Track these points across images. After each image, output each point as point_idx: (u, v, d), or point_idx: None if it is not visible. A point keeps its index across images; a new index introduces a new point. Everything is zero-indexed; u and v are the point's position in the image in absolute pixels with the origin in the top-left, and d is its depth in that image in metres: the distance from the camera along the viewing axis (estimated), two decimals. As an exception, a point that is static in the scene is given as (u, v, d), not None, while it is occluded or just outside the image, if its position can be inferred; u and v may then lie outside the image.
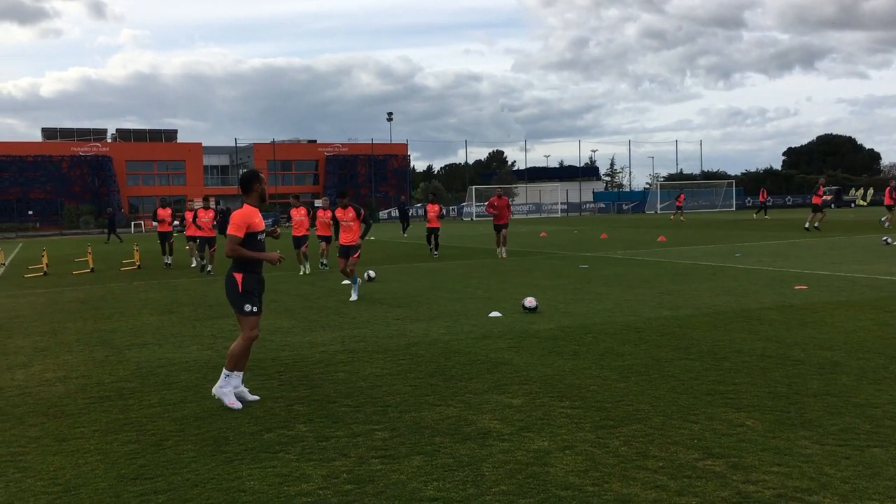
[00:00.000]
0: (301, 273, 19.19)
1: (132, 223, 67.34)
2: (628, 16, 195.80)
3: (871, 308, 10.99)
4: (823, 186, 33.17)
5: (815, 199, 31.93)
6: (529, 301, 11.60)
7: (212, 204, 22.58)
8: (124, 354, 9.34)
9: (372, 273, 16.97)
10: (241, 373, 6.88)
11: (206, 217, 20.88)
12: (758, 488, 4.54)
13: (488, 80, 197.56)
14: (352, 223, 14.32)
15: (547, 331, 9.99)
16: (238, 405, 6.66)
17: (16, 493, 4.85)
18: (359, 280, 14.27)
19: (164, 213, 24.08)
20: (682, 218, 50.79)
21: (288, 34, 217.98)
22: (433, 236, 24.19)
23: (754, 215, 52.40)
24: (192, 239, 22.09)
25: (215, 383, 7.60)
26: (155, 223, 24.23)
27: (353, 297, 13.64)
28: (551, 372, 7.68)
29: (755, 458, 5.05)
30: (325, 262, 20.27)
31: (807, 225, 31.62)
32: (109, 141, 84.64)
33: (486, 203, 24.71)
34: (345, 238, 14.27)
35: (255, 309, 6.75)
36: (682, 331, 9.67)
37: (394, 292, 14.71)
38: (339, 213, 14.80)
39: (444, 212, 26.40)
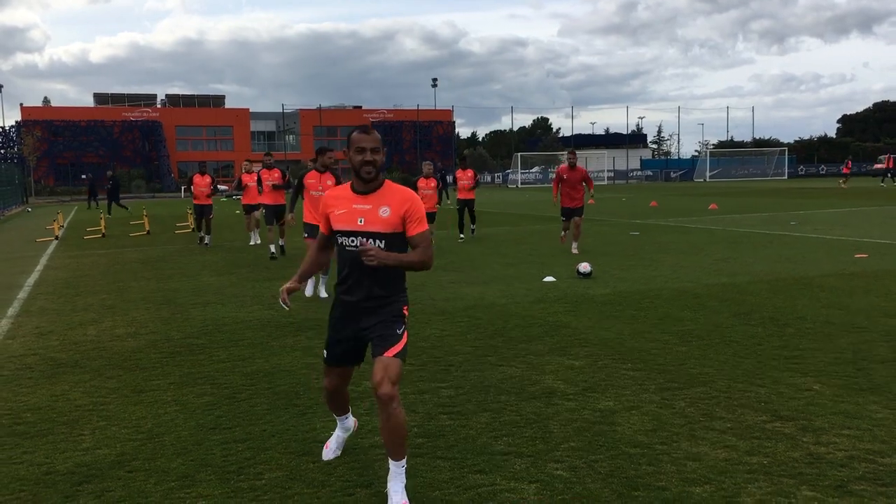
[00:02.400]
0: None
1: (182, 188, 68.43)
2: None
3: (935, 277, 10.77)
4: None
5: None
6: (584, 266, 11.60)
7: (272, 160, 16.53)
8: (189, 312, 9.59)
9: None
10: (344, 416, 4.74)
11: (272, 178, 15.87)
12: (829, 450, 4.55)
13: (534, 45, 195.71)
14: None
15: (603, 295, 10.00)
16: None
17: (102, 439, 5.07)
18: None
19: (203, 181, 18.77)
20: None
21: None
22: (467, 210, 18.64)
23: (882, 183, 48.95)
24: (253, 208, 18.20)
25: (279, 341, 7.82)
26: (189, 194, 19.42)
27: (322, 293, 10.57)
28: (611, 335, 7.71)
29: (825, 420, 5.04)
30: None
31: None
32: (159, 106, 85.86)
33: (552, 174, 21.82)
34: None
35: (325, 353, 4.39)
36: (741, 297, 9.60)
37: (445, 256, 14.80)
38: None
39: (480, 178, 21.12)
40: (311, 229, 10.16)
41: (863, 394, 5.59)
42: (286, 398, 5.87)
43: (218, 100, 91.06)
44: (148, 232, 22.99)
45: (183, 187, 67.06)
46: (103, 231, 22.86)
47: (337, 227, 4.17)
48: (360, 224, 4.09)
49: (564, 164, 15.55)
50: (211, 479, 4.36)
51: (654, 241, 16.81)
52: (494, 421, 5.22)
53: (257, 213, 18.30)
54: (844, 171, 51.14)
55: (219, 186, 23.93)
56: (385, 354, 3.98)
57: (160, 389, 6.20)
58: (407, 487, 4.15)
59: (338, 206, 4.17)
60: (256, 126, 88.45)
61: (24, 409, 5.77)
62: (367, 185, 4.10)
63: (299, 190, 10.69)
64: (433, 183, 16.57)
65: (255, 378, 6.46)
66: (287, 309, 4.35)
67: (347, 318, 4.19)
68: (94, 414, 5.61)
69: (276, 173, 15.98)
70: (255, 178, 16.82)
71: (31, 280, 13.13)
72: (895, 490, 3.98)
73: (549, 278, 11.42)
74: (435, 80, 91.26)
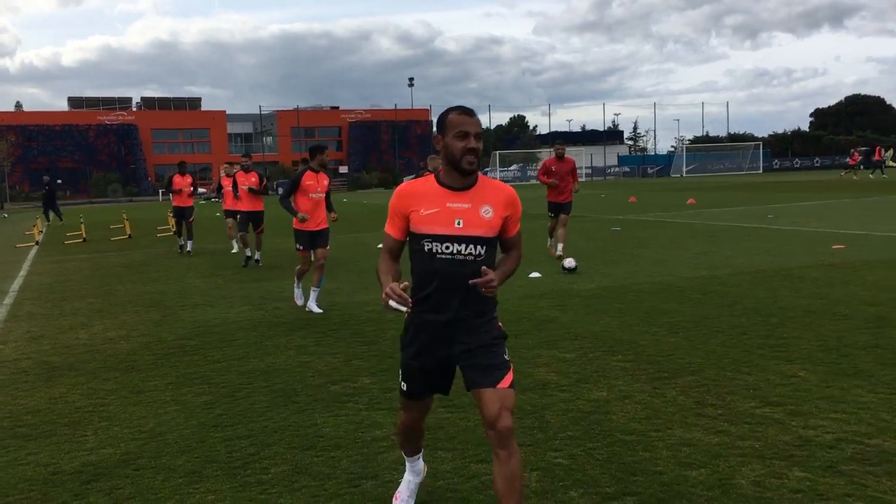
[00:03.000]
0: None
1: (160, 191, 67.97)
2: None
3: (911, 266, 11.03)
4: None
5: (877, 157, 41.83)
6: (569, 262, 11.75)
7: (250, 162, 15.19)
8: (179, 314, 9.62)
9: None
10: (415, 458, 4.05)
11: (248, 182, 14.65)
12: (817, 433, 4.71)
13: (510, 43, 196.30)
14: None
15: (588, 290, 10.15)
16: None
17: (105, 439, 5.13)
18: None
19: (183, 181, 17.39)
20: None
21: (307, 0, 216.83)
22: None
23: (871, 175, 48.38)
24: (231, 214, 16.41)
25: (272, 341, 7.88)
26: (170, 195, 17.92)
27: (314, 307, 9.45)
28: (599, 329, 7.86)
29: (812, 405, 5.21)
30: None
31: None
32: (134, 109, 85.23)
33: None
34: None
35: (403, 385, 3.69)
36: (724, 289, 9.79)
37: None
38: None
39: None
40: (308, 239, 9.37)
41: (847, 379, 5.76)
42: (284, 396, 5.95)
43: (194, 102, 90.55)
44: (129, 236, 22.89)
45: (161, 190, 66.69)
46: (84, 236, 22.72)
47: (424, 230, 3.39)
48: (457, 227, 3.37)
49: (551, 157, 13.92)
50: (218, 475, 4.44)
51: (635, 237, 17.02)
52: (492, 413, 5.32)
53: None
54: (851, 162, 49.72)
55: (199, 189, 22.37)
56: (499, 386, 3.39)
57: (158, 390, 6.25)
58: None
59: (424, 204, 3.41)
60: (233, 128, 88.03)
61: (23, 412, 5.81)
62: (465, 179, 3.40)
63: (293, 192, 9.44)
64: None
65: (251, 377, 6.53)
66: (407, 310, 3.26)
67: (436, 343, 3.47)
68: (94, 415, 5.66)
69: (254, 177, 14.68)
70: (232, 182, 15.31)
71: (16, 285, 13.08)
72: (882, 469, 4.14)
73: (535, 274, 11.55)
74: (412, 79, 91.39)
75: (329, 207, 9.77)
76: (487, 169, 74.54)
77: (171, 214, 20.57)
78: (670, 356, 6.65)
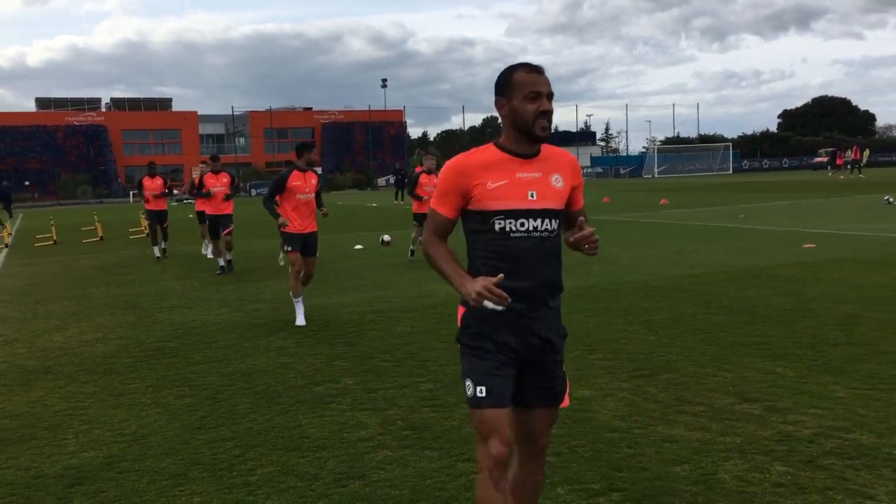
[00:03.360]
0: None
1: (131, 193, 67.24)
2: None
3: (880, 264, 11.24)
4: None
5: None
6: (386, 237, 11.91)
7: (219, 165, 14.35)
8: (156, 317, 9.55)
9: (387, 237, 17.15)
10: None
11: (220, 183, 13.84)
12: (796, 428, 4.79)
13: (482, 44, 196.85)
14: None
15: (567, 289, 10.15)
16: None
17: (87, 442, 5.08)
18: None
19: (154, 184, 16.27)
20: (841, 176, 46.12)
21: (278, 0, 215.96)
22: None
23: (842, 176, 47.86)
24: (203, 218, 15.31)
25: (252, 343, 7.84)
26: (140, 199, 17.05)
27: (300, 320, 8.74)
28: (578, 328, 7.91)
29: (790, 401, 5.30)
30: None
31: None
32: (104, 110, 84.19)
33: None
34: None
35: (480, 391, 2.92)
36: (700, 287, 9.91)
37: (403, 255, 14.89)
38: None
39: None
40: (298, 241, 8.71)
41: (823, 375, 5.87)
42: (267, 397, 5.93)
43: (165, 103, 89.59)
44: (101, 238, 22.63)
45: (132, 192, 65.95)
46: (55, 238, 22.42)
47: (495, 205, 2.92)
48: (531, 199, 2.94)
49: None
50: (203, 477, 4.42)
51: (610, 237, 17.13)
52: (476, 412, 5.35)
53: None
54: (839, 161, 49.26)
55: (173, 191, 21.35)
56: (562, 406, 3.15)
57: (138, 392, 6.21)
58: (398, 477, 4.28)
59: (490, 175, 2.93)
60: (205, 129, 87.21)
61: (1, 416, 5.74)
62: (533, 146, 3.00)
63: (277, 193, 8.70)
64: (435, 180, 13.88)
65: (232, 379, 6.50)
66: (504, 306, 2.81)
67: (516, 335, 2.95)
68: (74, 418, 5.61)
69: (225, 178, 13.91)
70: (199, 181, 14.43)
71: (-13, 289, 12.88)
72: (861, 463, 4.23)
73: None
74: (384, 80, 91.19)
75: (319, 204, 9.13)
76: (421, 169, 74.48)
77: (143, 216, 19.98)
78: (650, 354, 6.73)
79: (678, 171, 77.81)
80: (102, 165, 77.39)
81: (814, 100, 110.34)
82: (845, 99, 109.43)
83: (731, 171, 76.44)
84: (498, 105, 3.02)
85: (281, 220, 8.60)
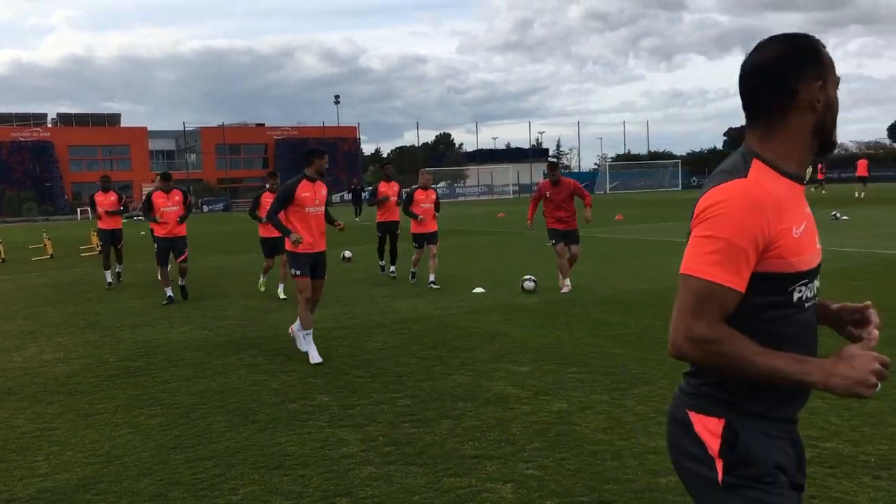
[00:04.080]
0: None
1: (78, 210, 65.79)
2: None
3: (837, 277, 11.54)
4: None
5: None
6: (528, 283, 11.39)
7: (171, 184, 12.37)
8: (118, 335, 9.33)
9: (348, 253, 17.05)
10: None
11: (172, 202, 12.15)
12: (775, 438, 4.87)
13: (434, 61, 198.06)
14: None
15: (534, 304, 10.27)
16: None
17: (59, 464, 4.93)
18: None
19: (107, 200, 14.51)
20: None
21: (228, 15, 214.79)
22: (391, 238, 13.83)
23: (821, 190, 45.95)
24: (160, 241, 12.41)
25: (221, 360, 7.73)
26: (91, 215, 15.25)
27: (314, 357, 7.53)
28: (549, 342, 7.96)
29: (765, 411, 5.38)
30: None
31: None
32: (50, 126, 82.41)
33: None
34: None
35: None
36: (664, 302, 10.04)
37: (371, 271, 14.83)
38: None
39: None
40: (308, 263, 7.63)
41: (794, 386, 5.98)
42: (242, 415, 5.83)
43: (113, 118, 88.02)
44: (51, 256, 22.08)
45: (80, 209, 64.45)
46: (3, 256, 21.81)
47: (801, 264, 1.96)
48: (818, 247, 2.08)
49: (546, 180, 11.92)
50: (185, 497, 4.32)
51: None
52: (457, 426, 5.34)
53: None
54: (819, 177, 49.15)
55: (129, 207, 19.61)
56: None
57: (108, 412, 6.05)
58: (385, 493, 4.24)
59: (792, 216, 1.95)
60: (155, 145, 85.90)
61: (-35, 439, 5.53)
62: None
63: (284, 206, 7.65)
64: (433, 196, 12.94)
65: (204, 397, 6.38)
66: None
67: (791, 449, 2.08)
68: (43, 440, 5.44)
69: (177, 197, 12.21)
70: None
71: (-65, 308, 12.45)
72: (841, 471, 4.32)
73: (479, 289, 11.63)
74: (337, 97, 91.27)
75: (330, 220, 8.12)
76: (416, 186, 74.62)
77: (95, 233, 18.87)
78: (622, 367, 6.79)
79: (629, 188, 79.01)
80: (49, 182, 75.66)
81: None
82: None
83: (680, 188, 77.87)
84: (805, 89, 1.93)
85: (294, 236, 7.52)
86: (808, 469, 4.28)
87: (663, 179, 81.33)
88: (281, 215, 7.71)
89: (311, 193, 7.67)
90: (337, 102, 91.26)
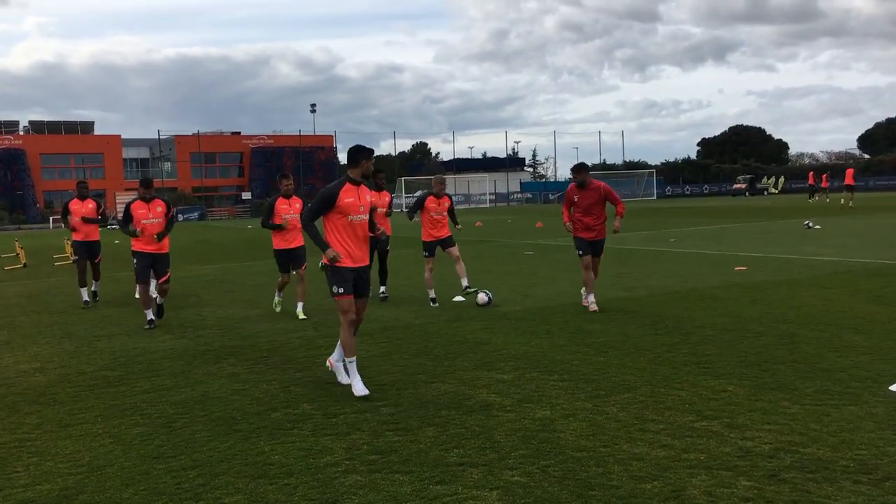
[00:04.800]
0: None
1: (50, 219, 64.98)
2: (547, 8, 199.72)
3: (811, 285, 11.70)
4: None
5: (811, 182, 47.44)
6: (482, 297, 11.02)
7: (151, 192, 10.69)
8: (95, 345, 9.23)
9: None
10: None
11: (155, 213, 10.51)
12: (756, 443, 4.93)
13: (410, 71, 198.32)
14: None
15: (515, 312, 10.31)
16: None
17: (39, 474, 4.87)
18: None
19: (84, 208, 12.90)
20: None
21: (202, 23, 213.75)
22: (380, 256, 12.35)
23: (813, 199, 47.50)
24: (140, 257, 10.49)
25: (201, 369, 7.66)
26: (64, 224, 13.26)
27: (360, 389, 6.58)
28: (531, 350, 7.99)
29: (746, 418, 5.45)
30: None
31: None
32: (22, 133, 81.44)
33: (561, 194, 12.59)
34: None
35: None
36: (643, 309, 10.13)
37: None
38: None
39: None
40: (349, 279, 6.69)
41: (773, 392, 6.06)
42: (225, 424, 5.79)
43: (86, 126, 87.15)
44: (25, 265, 21.80)
45: (53, 218, 63.54)
46: (-26, 265, 21.49)
47: None
48: None
49: (572, 183, 10.78)
50: (170, 507, 4.28)
51: (549, 260, 17.40)
52: (441, 434, 5.35)
53: None
54: (823, 185, 49.58)
55: (108, 217, 17.75)
56: None
57: (88, 422, 5.99)
58: (371, 502, 4.24)
59: None
60: (129, 153, 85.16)
61: (-58, 450, 5.45)
62: None
63: (323, 212, 6.74)
64: (447, 203, 11.81)
65: (186, 406, 6.33)
66: None
67: None
68: (22, 450, 5.37)
69: (160, 207, 10.58)
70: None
71: None
72: (822, 476, 4.38)
73: (459, 298, 11.65)
74: (313, 105, 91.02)
75: (372, 228, 7.07)
76: (393, 195, 74.59)
77: (69, 242, 17.88)
78: (604, 374, 6.83)
79: (605, 197, 79.35)
80: (20, 190, 74.71)
81: (730, 129, 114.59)
82: (760, 128, 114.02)
83: (655, 197, 78.50)
84: None
85: (331, 252, 6.60)
86: (790, 475, 4.36)
87: (639, 189, 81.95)
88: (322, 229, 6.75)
89: (356, 199, 6.71)
90: (313, 111, 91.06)
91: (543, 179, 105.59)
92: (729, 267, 14.54)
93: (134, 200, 10.69)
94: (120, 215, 10.98)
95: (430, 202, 11.72)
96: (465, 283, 11.53)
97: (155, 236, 10.32)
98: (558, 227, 31.43)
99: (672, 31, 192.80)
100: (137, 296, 11.29)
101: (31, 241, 37.75)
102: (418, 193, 13.53)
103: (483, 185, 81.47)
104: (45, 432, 5.79)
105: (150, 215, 10.44)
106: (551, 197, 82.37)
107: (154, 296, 10.82)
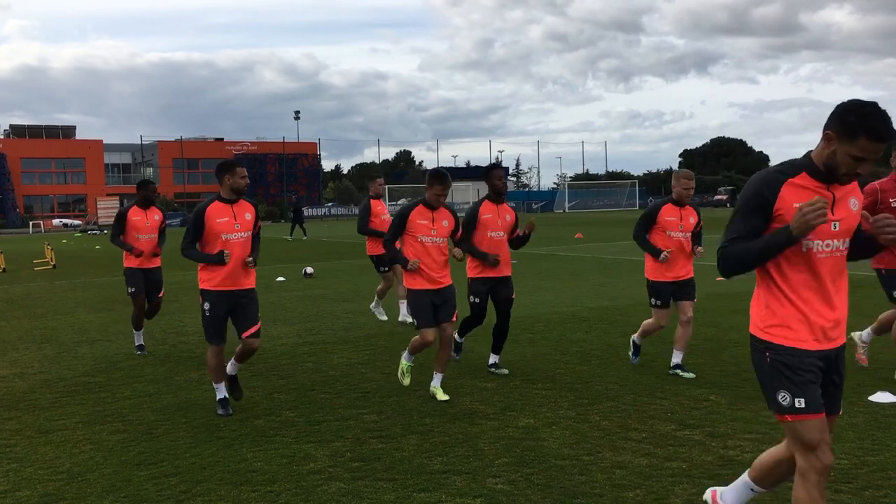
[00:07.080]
0: None
1: (30, 223, 64.40)
2: (532, 18, 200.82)
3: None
4: None
5: None
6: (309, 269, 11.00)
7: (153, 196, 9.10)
8: (76, 351, 9.16)
9: (310, 269, 16.97)
10: None
11: (150, 230, 8.90)
12: (737, 452, 4.98)
13: (395, 79, 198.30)
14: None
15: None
16: None
17: (19, 481, 4.83)
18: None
19: (148, 219, 8.98)
20: None
21: (186, 28, 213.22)
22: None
23: None
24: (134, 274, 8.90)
25: (183, 376, 7.61)
26: (117, 245, 8.99)
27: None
28: (514, 358, 8.01)
29: (727, 427, 5.50)
30: None
31: None
32: (2, 137, 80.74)
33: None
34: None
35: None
36: (624, 318, 10.19)
37: (334, 288, 14.79)
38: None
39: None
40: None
41: (753, 402, 6.11)
42: (207, 431, 5.77)
43: (68, 131, 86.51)
44: (4, 269, 21.58)
45: (32, 223, 62.79)
46: (-48, 269, 21.24)
47: None
48: None
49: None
50: (151, 514, 4.26)
51: (532, 269, 17.44)
52: (425, 442, 5.35)
53: None
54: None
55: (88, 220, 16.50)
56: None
57: (68, 429, 5.94)
58: (355, 509, 4.23)
59: None
60: (111, 158, 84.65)
61: (-81, 456, 5.38)
62: None
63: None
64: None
65: (167, 413, 6.30)
66: None
67: None
68: (2, 456, 5.32)
69: (157, 216, 8.94)
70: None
71: None
72: (801, 483, 4.41)
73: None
74: (297, 112, 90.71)
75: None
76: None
77: (49, 247, 17.30)
78: (587, 383, 6.86)
79: (588, 207, 79.93)
80: (0, 195, 74.00)
81: (712, 140, 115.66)
82: (741, 140, 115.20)
83: (637, 207, 78.91)
84: None
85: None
86: (771, 482, 4.38)
87: (621, 199, 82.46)
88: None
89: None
90: (297, 118, 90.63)
91: (527, 189, 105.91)
92: (710, 276, 14.62)
93: (130, 207, 8.94)
94: (100, 221, 10.24)
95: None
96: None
97: (150, 254, 8.83)
98: (542, 236, 31.55)
99: (656, 42, 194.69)
100: (135, 313, 9.06)
101: (10, 245, 37.37)
102: (402, 201, 13.71)
103: (467, 194, 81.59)
104: (25, 438, 5.73)
105: (147, 226, 8.82)
106: (535, 206, 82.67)
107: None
